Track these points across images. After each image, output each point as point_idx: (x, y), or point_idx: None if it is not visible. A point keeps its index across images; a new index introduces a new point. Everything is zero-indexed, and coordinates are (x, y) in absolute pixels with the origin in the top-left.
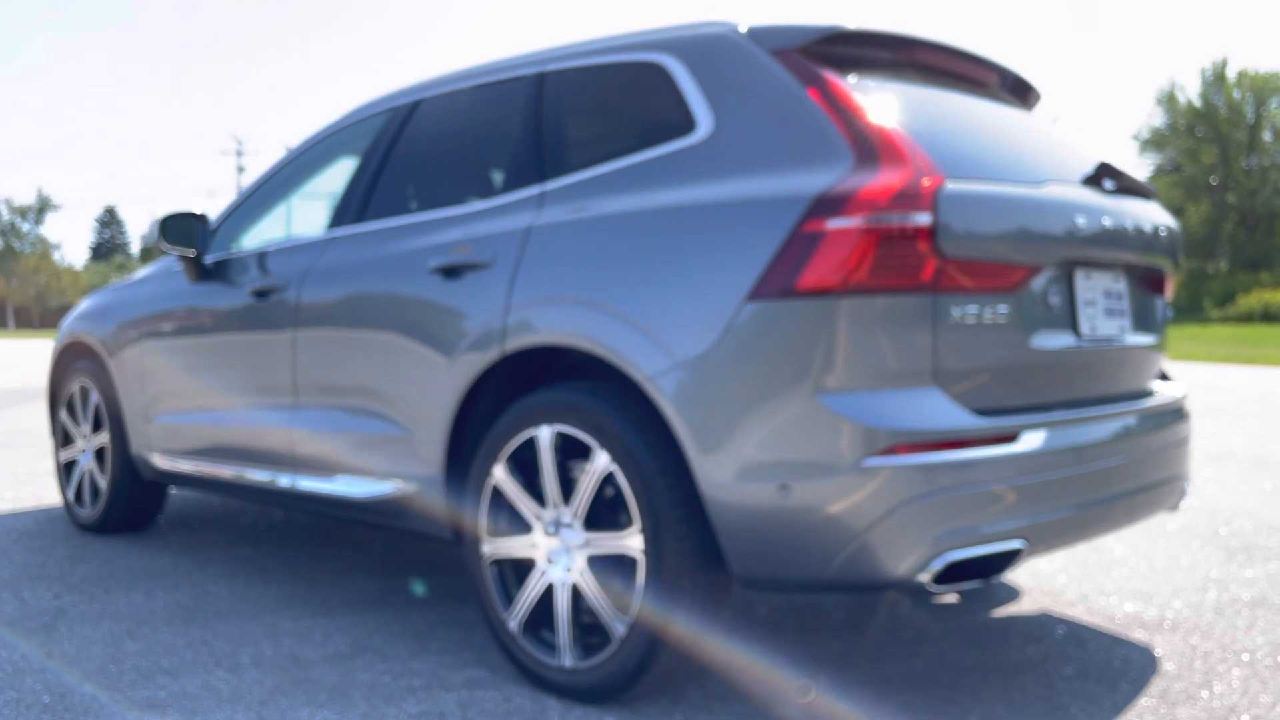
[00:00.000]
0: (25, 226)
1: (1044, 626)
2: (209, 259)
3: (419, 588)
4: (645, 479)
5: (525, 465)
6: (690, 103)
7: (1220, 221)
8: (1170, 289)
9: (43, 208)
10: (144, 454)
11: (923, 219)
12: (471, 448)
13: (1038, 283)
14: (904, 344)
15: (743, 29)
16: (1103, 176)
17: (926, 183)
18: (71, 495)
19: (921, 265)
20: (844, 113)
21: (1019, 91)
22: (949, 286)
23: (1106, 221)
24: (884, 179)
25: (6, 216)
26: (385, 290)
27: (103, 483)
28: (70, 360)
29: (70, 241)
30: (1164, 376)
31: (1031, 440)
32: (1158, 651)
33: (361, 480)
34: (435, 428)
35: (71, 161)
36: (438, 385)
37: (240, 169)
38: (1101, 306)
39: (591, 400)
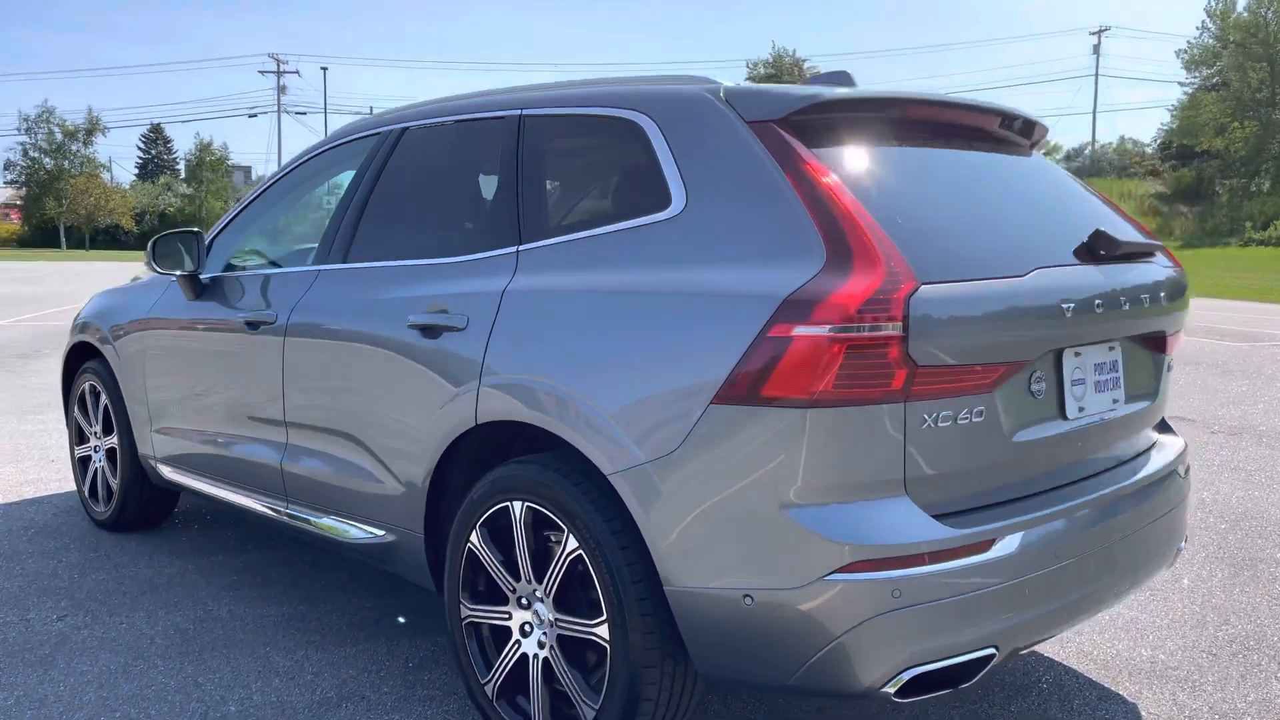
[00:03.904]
0: (74, 147)
1: (1030, 675)
2: (205, 276)
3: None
4: (612, 570)
5: (501, 533)
6: (665, 173)
7: (1265, 140)
8: (1174, 345)
9: (91, 129)
10: (150, 462)
11: (892, 328)
12: (451, 507)
13: (1020, 376)
14: (873, 454)
15: (721, 93)
16: (1098, 246)
17: (899, 288)
18: (87, 491)
19: (891, 375)
20: (819, 202)
21: (1023, 130)
22: (922, 393)
23: (1099, 303)
24: (855, 283)
25: (59, 137)
26: (367, 340)
27: (114, 483)
28: (80, 359)
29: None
30: (1164, 427)
31: (1008, 545)
32: (1144, 714)
33: (350, 523)
34: (415, 483)
35: (115, 84)
36: (416, 443)
37: (282, 88)
38: (1092, 382)
39: (561, 482)
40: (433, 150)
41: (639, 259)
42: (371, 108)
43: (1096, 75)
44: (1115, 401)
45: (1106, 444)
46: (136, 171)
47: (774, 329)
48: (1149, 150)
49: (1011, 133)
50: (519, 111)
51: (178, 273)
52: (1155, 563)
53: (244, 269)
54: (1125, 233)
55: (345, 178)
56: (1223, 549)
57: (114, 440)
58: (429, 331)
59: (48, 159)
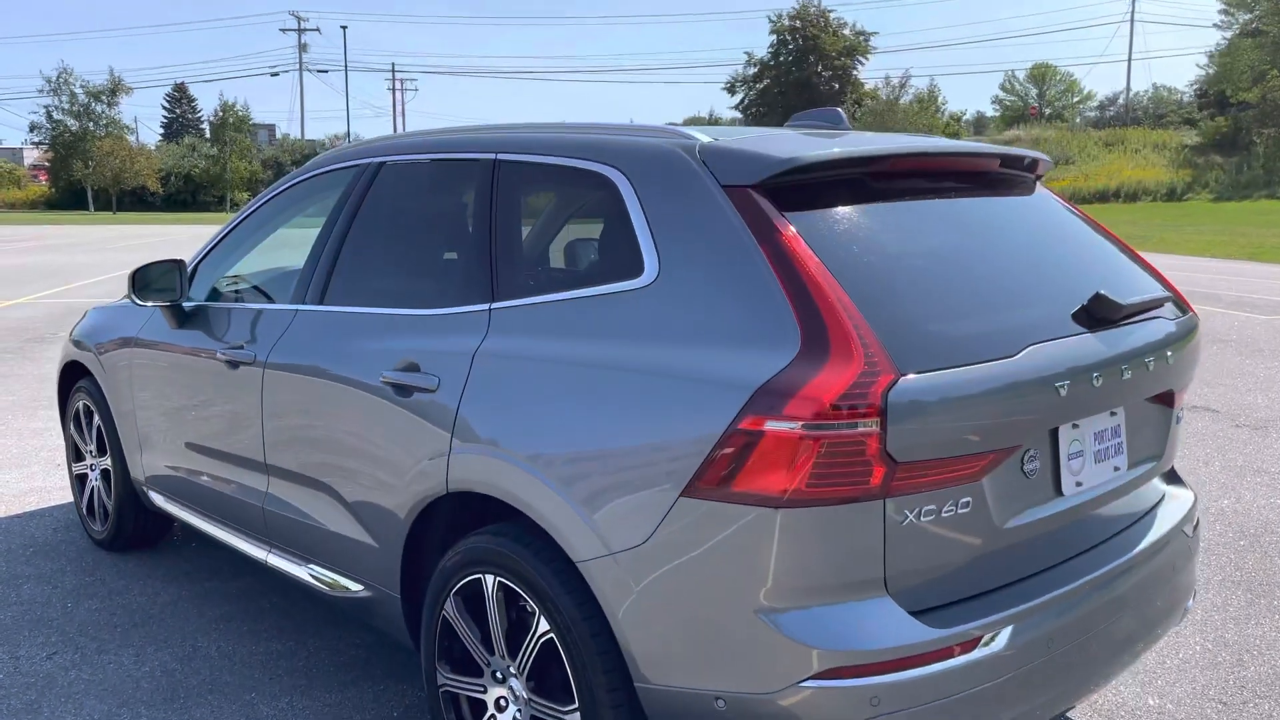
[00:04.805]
0: (99, 108)
1: None
2: (188, 305)
3: None
4: (583, 657)
5: (475, 604)
6: (638, 236)
7: None
8: (1182, 399)
9: (115, 89)
10: (141, 486)
11: (869, 425)
12: (428, 567)
13: (1010, 459)
14: (850, 555)
15: (697, 151)
16: (1099, 312)
17: (876, 380)
18: (84, 509)
19: (869, 473)
20: (795, 282)
21: (1026, 167)
22: (902, 489)
23: (1098, 376)
24: (830, 374)
25: (83, 99)
26: (341, 392)
27: (110, 504)
28: (73, 377)
29: (140, 123)
30: (1172, 477)
31: (997, 642)
32: None
33: (331, 574)
34: (390, 542)
35: (137, 43)
36: (390, 503)
37: (303, 46)
38: (1091, 453)
39: (533, 560)
40: (408, 190)
41: (611, 329)
42: (393, 64)
43: (1132, 20)
44: (1117, 469)
45: (1106, 513)
46: (162, 132)
47: (745, 420)
48: (1185, 99)
49: (1014, 171)
50: (494, 155)
51: (160, 302)
52: (1160, 629)
53: (227, 297)
54: (1130, 288)
55: (320, 211)
56: (1240, 571)
57: (108, 461)
58: (401, 390)
59: (72, 121)
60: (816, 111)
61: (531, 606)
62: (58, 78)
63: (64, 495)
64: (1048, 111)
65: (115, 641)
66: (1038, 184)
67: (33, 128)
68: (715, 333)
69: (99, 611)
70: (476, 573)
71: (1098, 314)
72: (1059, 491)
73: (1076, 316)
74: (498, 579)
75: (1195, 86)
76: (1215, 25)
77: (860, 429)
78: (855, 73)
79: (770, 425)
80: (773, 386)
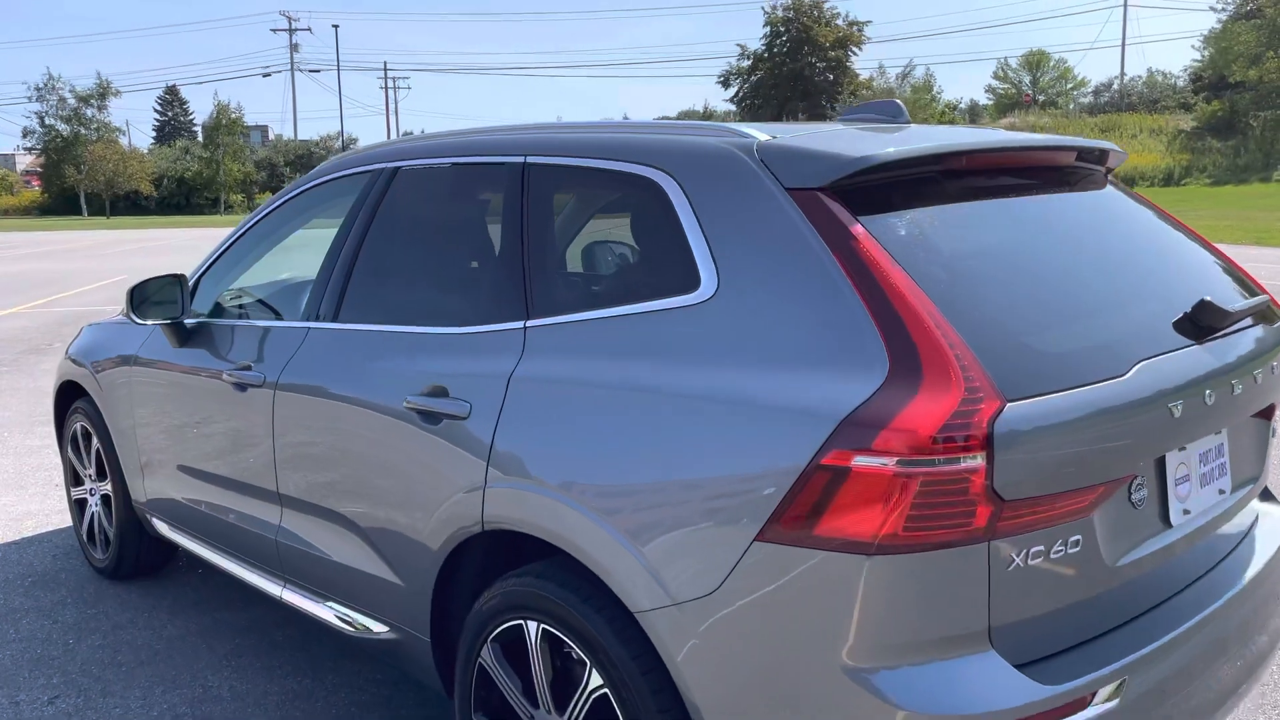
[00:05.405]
0: (89, 113)
1: None
2: (190, 322)
3: None
4: (642, 716)
5: (515, 652)
6: (692, 246)
7: None
8: (1278, 412)
9: (104, 93)
10: (144, 513)
11: (974, 459)
12: (461, 606)
13: (1120, 491)
14: (951, 605)
15: (755, 150)
16: (1206, 320)
17: (980, 408)
18: (85, 535)
19: (973, 513)
20: (878, 296)
21: (1098, 159)
22: (1009, 529)
23: (1210, 393)
24: (927, 402)
25: (72, 103)
26: (361, 418)
27: (111, 531)
28: (70, 397)
29: (132, 126)
30: (1265, 495)
31: (1112, 694)
32: None
33: (353, 613)
34: (418, 583)
35: (127, 46)
36: (418, 541)
37: (295, 46)
38: (1197, 477)
39: (583, 607)
40: (427, 197)
41: (665, 350)
42: (385, 63)
43: (1125, 4)
44: (1222, 492)
45: (1209, 540)
46: (154, 135)
47: (828, 456)
48: (1179, 83)
49: (1088, 165)
50: (523, 158)
51: (160, 320)
52: (1263, 666)
53: (231, 312)
54: (1228, 291)
55: (330, 219)
56: None
57: (109, 486)
58: (428, 416)
59: (63, 125)
60: (873, 104)
61: (580, 656)
62: (46, 84)
63: (63, 519)
64: (1041, 99)
65: (120, 682)
66: (1108, 177)
67: (26, 133)
68: (787, 354)
69: (102, 649)
70: (516, 618)
71: (1203, 322)
72: (1167, 522)
73: (1180, 326)
74: (541, 626)
75: (1189, 70)
76: (1211, 8)
77: (963, 464)
78: (849, 64)
79: (859, 461)
80: (861, 417)
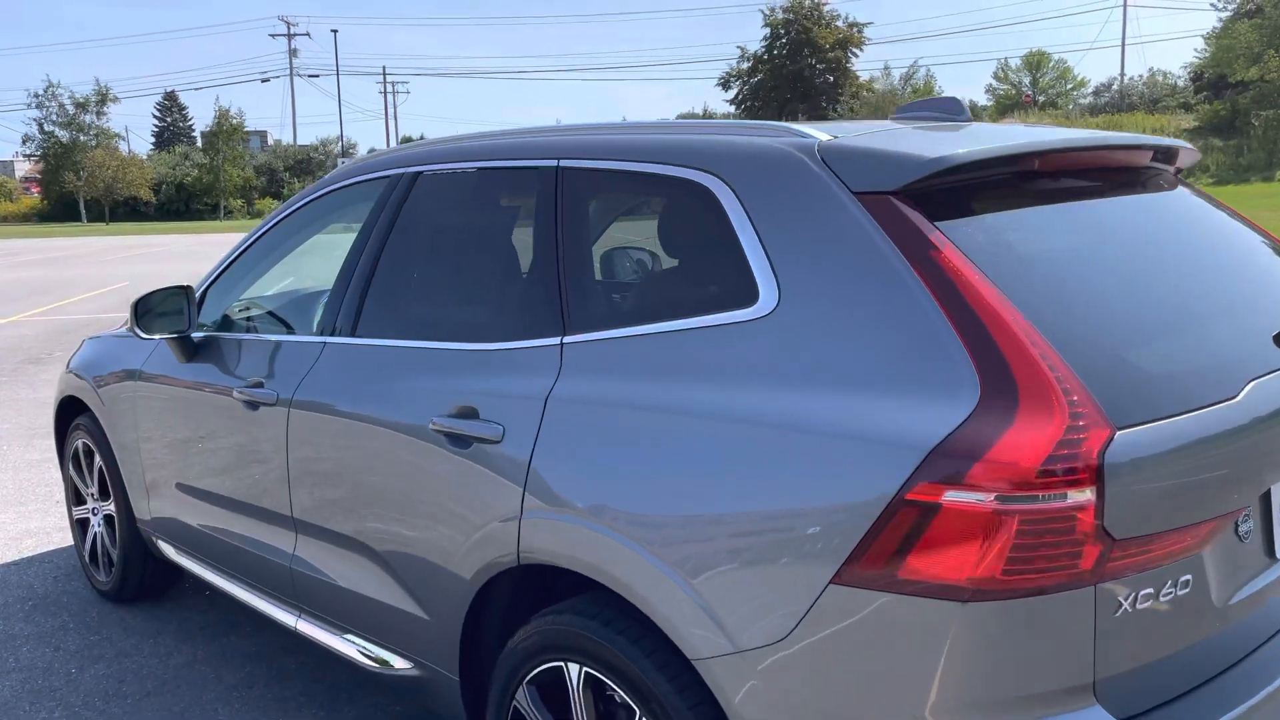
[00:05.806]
0: (88, 119)
1: None
2: (197, 336)
3: None
4: None
5: (554, 695)
6: (749, 257)
7: None
8: None
9: (103, 99)
10: (149, 535)
11: (1082, 494)
12: (493, 641)
13: (1229, 525)
14: (1054, 655)
15: (817, 151)
16: None
17: (1088, 436)
18: (87, 555)
19: (1079, 554)
20: (963, 310)
21: (1167, 158)
22: (1117, 571)
23: None
24: (1025, 430)
25: (71, 109)
26: (383, 440)
27: (114, 552)
28: (71, 413)
29: (131, 132)
30: None
31: None
32: None
33: (375, 647)
34: (446, 618)
35: (125, 52)
36: (446, 572)
37: (293, 52)
38: None
39: (632, 650)
40: (452, 204)
41: (719, 370)
42: (384, 67)
43: (1125, 4)
44: None
45: None
46: (153, 141)
47: (915, 490)
48: (1180, 83)
49: (1160, 165)
50: (556, 162)
51: (166, 335)
52: None
53: (240, 325)
54: None
55: (345, 230)
56: None
57: (111, 506)
58: (457, 440)
59: (62, 132)
60: (930, 101)
61: (627, 701)
62: (45, 90)
63: (64, 537)
64: (1041, 99)
65: (126, 716)
66: (1179, 178)
67: (25, 140)
68: (859, 375)
69: (106, 678)
70: (556, 659)
71: None
72: (1272, 555)
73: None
74: (584, 669)
75: (1189, 70)
76: (1211, 6)
77: (1070, 500)
78: (849, 64)
79: (950, 496)
80: (950, 447)
